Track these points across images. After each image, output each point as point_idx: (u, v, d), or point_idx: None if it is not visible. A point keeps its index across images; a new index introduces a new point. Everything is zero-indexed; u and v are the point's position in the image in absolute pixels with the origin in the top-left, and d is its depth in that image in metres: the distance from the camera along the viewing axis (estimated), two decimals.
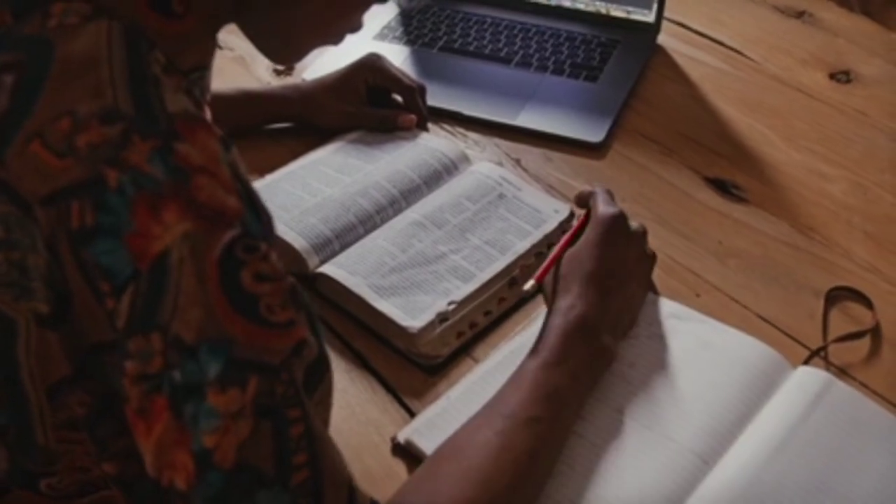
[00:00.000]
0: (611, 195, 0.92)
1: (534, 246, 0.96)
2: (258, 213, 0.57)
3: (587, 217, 0.92)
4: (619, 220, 0.89)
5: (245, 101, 1.14)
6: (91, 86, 0.54)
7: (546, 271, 0.88)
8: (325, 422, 0.63)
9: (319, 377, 0.60)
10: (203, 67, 0.65)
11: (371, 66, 1.15)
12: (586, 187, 0.95)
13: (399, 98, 1.16)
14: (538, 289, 0.88)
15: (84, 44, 0.56)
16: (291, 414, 0.56)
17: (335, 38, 0.73)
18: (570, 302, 0.83)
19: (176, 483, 0.54)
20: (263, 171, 1.08)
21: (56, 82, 0.55)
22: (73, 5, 0.57)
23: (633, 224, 0.91)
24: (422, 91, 1.16)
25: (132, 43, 0.57)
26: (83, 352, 0.56)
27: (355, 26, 0.73)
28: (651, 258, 0.92)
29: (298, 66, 1.28)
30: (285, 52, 0.73)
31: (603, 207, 0.90)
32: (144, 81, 0.56)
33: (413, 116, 1.13)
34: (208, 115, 0.64)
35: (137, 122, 0.54)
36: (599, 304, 0.83)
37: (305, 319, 0.58)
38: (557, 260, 0.87)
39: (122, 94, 0.55)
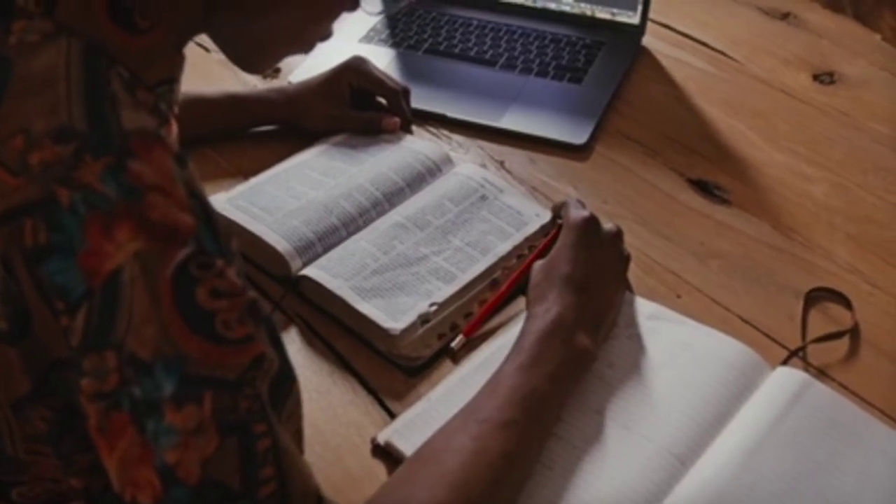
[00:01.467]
0: (581, 203, 0.94)
1: (515, 248, 0.97)
2: (214, 230, 0.57)
3: (559, 230, 0.93)
4: (591, 222, 0.90)
5: (230, 105, 1.15)
6: (47, 104, 0.55)
7: (486, 313, 0.91)
8: (297, 433, 0.63)
9: (286, 390, 0.60)
10: (171, 80, 0.65)
11: (355, 69, 1.16)
12: (560, 198, 0.96)
13: (383, 101, 1.17)
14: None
15: (43, 62, 0.56)
16: (257, 429, 0.56)
17: (306, 47, 0.74)
18: (546, 306, 0.84)
19: (140, 500, 0.54)
20: (248, 173, 1.09)
21: (12, 100, 0.55)
22: (35, 23, 0.57)
23: (607, 226, 0.92)
24: (406, 93, 1.17)
25: (91, 60, 0.57)
26: (43, 368, 0.56)
27: (325, 34, 0.73)
28: (626, 258, 0.92)
29: (285, 69, 1.29)
30: (256, 61, 0.74)
31: (574, 212, 0.91)
32: (101, 99, 0.56)
33: (397, 119, 1.14)
34: (175, 129, 0.64)
35: (91, 141, 0.54)
36: (576, 306, 0.84)
37: (265, 334, 0.58)
38: (526, 270, 0.89)
39: (78, 112, 0.55)
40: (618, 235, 0.92)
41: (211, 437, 0.54)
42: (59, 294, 0.53)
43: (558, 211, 0.95)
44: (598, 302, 0.86)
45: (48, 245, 0.53)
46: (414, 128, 1.17)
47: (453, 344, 0.90)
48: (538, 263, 0.90)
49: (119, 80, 0.58)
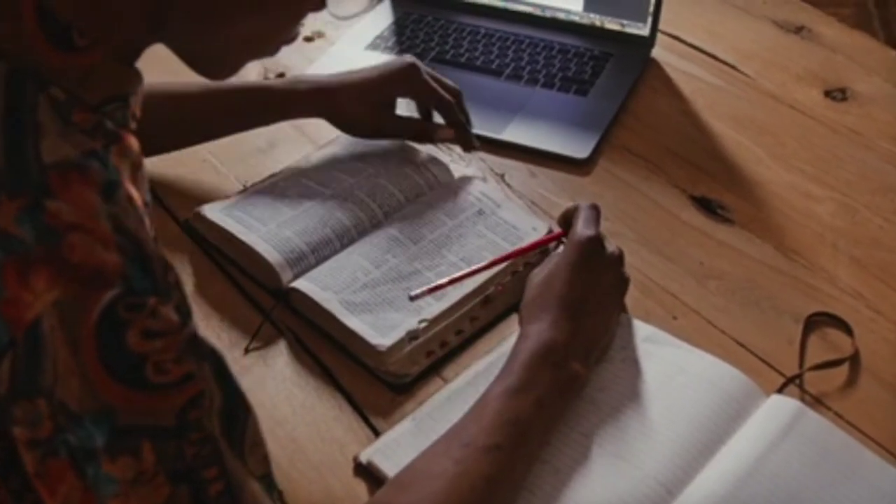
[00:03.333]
0: (596, 213, 0.91)
1: (510, 264, 0.95)
2: (146, 266, 0.54)
3: (562, 234, 0.91)
4: (594, 243, 0.87)
5: (258, 97, 1.08)
6: None
7: (468, 274, 0.90)
8: (263, 460, 0.61)
9: (242, 424, 0.58)
10: (121, 97, 0.62)
11: (408, 79, 1.06)
12: (571, 204, 0.94)
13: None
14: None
15: None
16: (208, 474, 0.55)
17: (270, 51, 0.70)
18: (539, 326, 0.82)
19: None
20: (246, 180, 1.08)
21: None
22: None
23: (610, 247, 0.89)
24: (458, 99, 1.08)
25: (15, 87, 0.54)
26: None
27: (290, 38, 0.70)
28: (625, 282, 0.90)
29: (288, 73, 1.28)
30: (218, 70, 0.70)
31: (581, 229, 0.88)
32: (21, 131, 0.53)
33: (451, 130, 1.07)
34: (133, 144, 0.61)
35: (5, 179, 0.52)
36: (569, 330, 0.82)
37: (209, 369, 0.56)
38: (523, 278, 0.87)
39: None
40: (620, 258, 0.90)
41: (160, 486, 0.53)
42: None
43: (568, 218, 0.92)
44: (593, 326, 0.85)
45: None
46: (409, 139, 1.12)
47: (412, 293, 0.89)
48: (535, 276, 0.88)
49: (49, 104, 0.55)
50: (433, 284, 0.91)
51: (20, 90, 0.54)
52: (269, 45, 0.70)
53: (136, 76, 0.65)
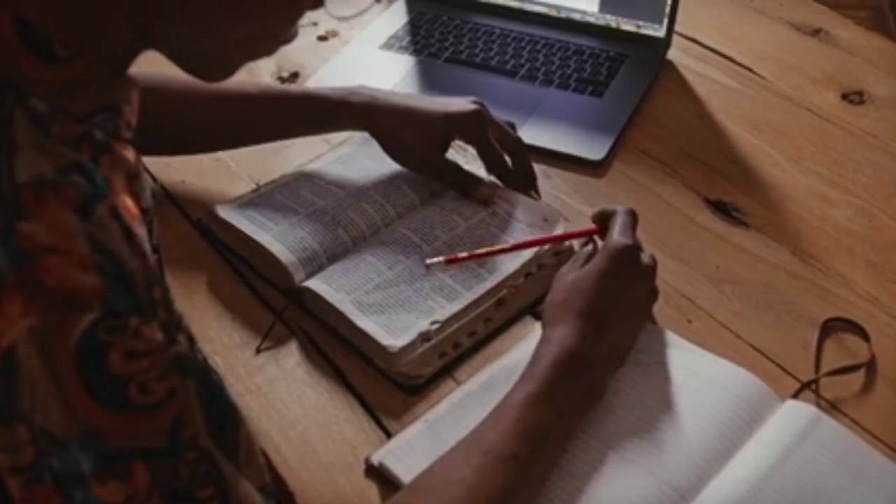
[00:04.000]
0: (634, 220, 0.90)
1: (523, 266, 0.94)
2: (127, 285, 0.52)
3: (594, 231, 0.91)
4: (631, 252, 0.86)
5: (308, 104, 1.06)
6: None
7: (490, 253, 0.91)
8: (259, 472, 0.60)
9: (233, 437, 0.57)
10: (112, 108, 0.59)
11: (473, 128, 1.02)
12: (608, 206, 0.92)
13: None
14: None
15: None
16: (204, 493, 0.54)
17: (269, 51, 0.67)
18: (563, 332, 0.81)
19: None
20: (259, 180, 1.07)
21: None
22: None
23: (645, 258, 0.88)
24: (519, 151, 1.04)
25: None
26: None
27: (289, 37, 0.67)
28: (654, 294, 0.89)
29: (302, 73, 1.27)
30: (213, 72, 0.67)
31: (617, 236, 0.87)
32: None
33: (493, 192, 1.02)
34: (127, 154, 0.58)
35: None
36: (594, 339, 0.81)
37: (194, 384, 0.54)
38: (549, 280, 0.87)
39: None
40: (653, 270, 0.88)
41: None
42: None
43: (604, 218, 0.91)
44: (618, 337, 0.84)
45: None
46: None
47: (429, 261, 0.89)
48: (564, 275, 0.87)
49: (27, 118, 0.52)
50: (452, 255, 0.91)
51: None
52: (265, 46, 0.67)
53: (128, 84, 0.62)
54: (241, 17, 0.61)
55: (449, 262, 0.90)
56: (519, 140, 1.05)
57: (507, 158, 1.04)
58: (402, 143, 1.03)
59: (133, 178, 0.60)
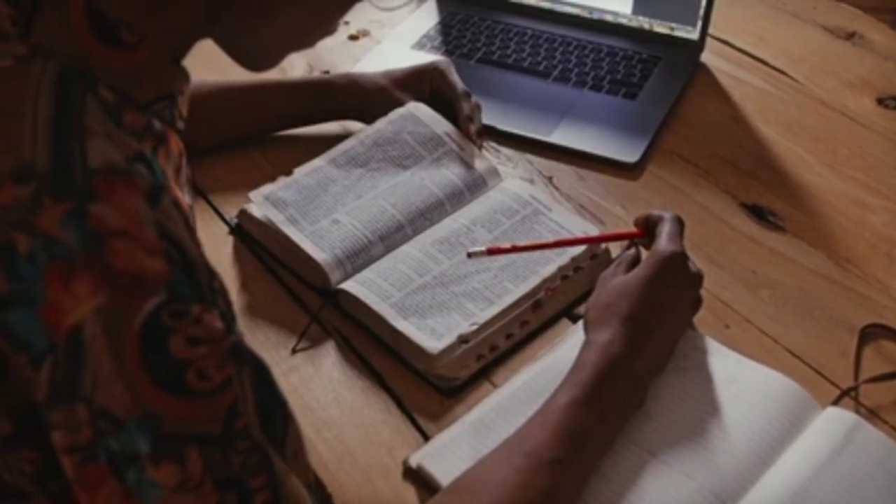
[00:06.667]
0: (681, 227, 0.89)
1: (560, 269, 0.94)
2: (191, 273, 0.53)
3: (636, 235, 0.91)
4: (679, 260, 0.85)
5: (314, 91, 1.13)
6: (10, 140, 0.51)
7: (525, 248, 0.92)
8: (304, 470, 0.61)
9: (283, 432, 0.58)
10: (169, 96, 0.61)
11: (442, 71, 1.13)
12: (655, 211, 0.91)
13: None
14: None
15: (10, 92, 0.52)
16: (255, 483, 0.54)
17: (311, 43, 0.70)
18: (608, 338, 0.80)
19: None
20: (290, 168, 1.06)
21: None
22: (9, 46, 0.54)
23: (693, 267, 0.87)
24: (478, 109, 1.13)
25: (64, 88, 0.53)
26: (23, 410, 0.54)
27: (331, 30, 0.70)
28: (698, 303, 0.88)
29: (333, 71, 1.27)
30: (263, 61, 0.69)
31: (665, 244, 0.86)
32: (68, 134, 0.52)
33: (472, 128, 1.09)
34: (177, 144, 0.61)
35: (51, 182, 0.51)
36: (638, 345, 0.81)
37: (251, 375, 0.55)
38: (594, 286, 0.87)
39: (41, 149, 0.51)
40: (700, 279, 0.88)
41: (207, 494, 0.53)
42: (23, 345, 0.51)
43: (650, 224, 0.90)
44: (661, 344, 0.83)
45: (8, 294, 0.50)
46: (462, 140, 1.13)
47: (470, 250, 0.90)
48: (608, 279, 0.86)
49: (98, 106, 0.54)
50: (493, 245, 0.91)
51: (68, 93, 0.53)
52: (313, 36, 0.70)
53: (183, 74, 0.64)
54: (310, 4, 0.64)
55: (491, 252, 0.90)
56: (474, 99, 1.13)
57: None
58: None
59: (178, 170, 0.61)
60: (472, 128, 1.09)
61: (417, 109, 1.10)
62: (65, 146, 0.52)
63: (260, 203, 0.99)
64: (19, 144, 0.51)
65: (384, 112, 1.10)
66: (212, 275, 0.55)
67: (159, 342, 0.51)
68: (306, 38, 0.69)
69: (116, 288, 0.50)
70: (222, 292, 0.55)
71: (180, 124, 0.63)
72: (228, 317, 0.55)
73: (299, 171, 1.04)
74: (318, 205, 1.00)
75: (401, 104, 1.11)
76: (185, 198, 0.63)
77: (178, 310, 0.52)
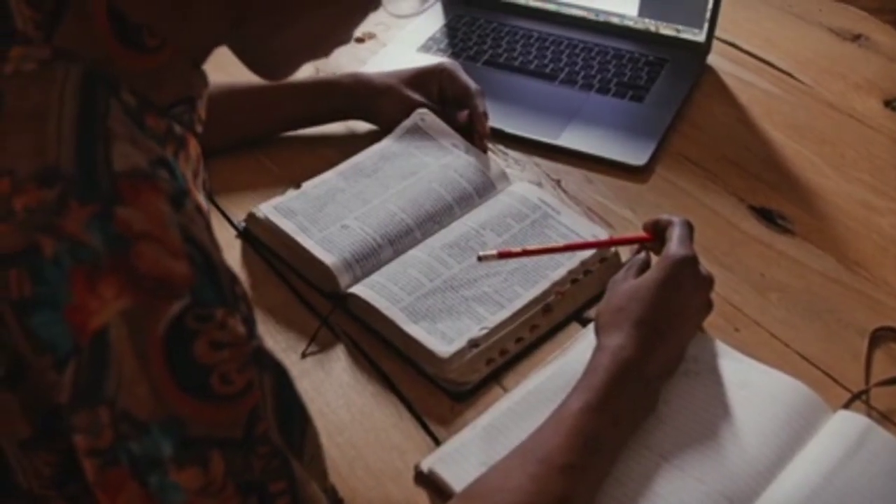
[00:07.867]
0: (691, 231, 0.89)
1: (570, 272, 0.94)
2: (214, 277, 0.53)
3: (646, 239, 0.90)
4: (690, 264, 0.85)
5: (320, 90, 1.14)
6: (34, 143, 0.52)
7: (535, 252, 0.92)
8: (321, 475, 0.61)
9: (301, 436, 0.58)
10: (189, 99, 0.62)
11: (450, 72, 1.13)
12: (664, 215, 0.92)
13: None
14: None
15: (35, 96, 0.53)
16: (275, 487, 0.54)
17: (327, 52, 0.70)
18: (620, 342, 0.80)
19: None
20: (300, 181, 1.06)
21: (1, 138, 0.52)
22: (33, 50, 0.54)
23: (703, 270, 0.87)
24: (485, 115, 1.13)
25: (88, 92, 0.54)
26: (43, 413, 0.54)
27: (346, 39, 0.70)
28: (709, 307, 0.88)
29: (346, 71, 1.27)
30: (280, 70, 0.70)
31: (675, 247, 0.86)
32: (93, 137, 0.52)
33: (487, 125, 1.10)
34: (195, 148, 0.61)
35: (77, 185, 0.51)
36: (650, 349, 0.80)
37: (271, 380, 0.55)
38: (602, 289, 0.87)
39: (66, 152, 0.51)
40: (710, 282, 0.87)
41: (229, 497, 0.53)
42: (47, 348, 0.51)
43: (659, 228, 0.90)
44: (671, 348, 0.83)
45: (33, 297, 0.50)
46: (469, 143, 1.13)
47: (481, 253, 0.90)
48: (619, 283, 0.86)
49: (121, 110, 0.54)
50: (504, 249, 0.91)
51: (92, 96, 0.54)
52: (328, 45, 0.70)
53: (203, 78, 0.65)
54: (321, 7, 0.63)
55: (502, 255, 0.90)
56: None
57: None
58: (404, 109, 1.12)
59: (196, 174, 0.61)
60: (488, 125, 1.09)
61: (423, 122, 1.10)
62: (90, 149, 0.52)
63: (269, 213, 0.99)
64: (44, 147, 0.51)
65: (391, 111, 1.11)
66: (233, 279, 0.55)
67: (184, 345, 0.51)
68: (322, 46, 0.69)
69: (142, 291, 0.50)
70: (244, 297, 0.55)
71: (199, 128, 0.63)
72: (250, 321, 0.55)
73: (308, 185, 1.04)
74: (328, 213, 1.00)
75: (409, 101, 1.12)
76: (203, 200, 0.63)
77: (203, 313, 0.52)
